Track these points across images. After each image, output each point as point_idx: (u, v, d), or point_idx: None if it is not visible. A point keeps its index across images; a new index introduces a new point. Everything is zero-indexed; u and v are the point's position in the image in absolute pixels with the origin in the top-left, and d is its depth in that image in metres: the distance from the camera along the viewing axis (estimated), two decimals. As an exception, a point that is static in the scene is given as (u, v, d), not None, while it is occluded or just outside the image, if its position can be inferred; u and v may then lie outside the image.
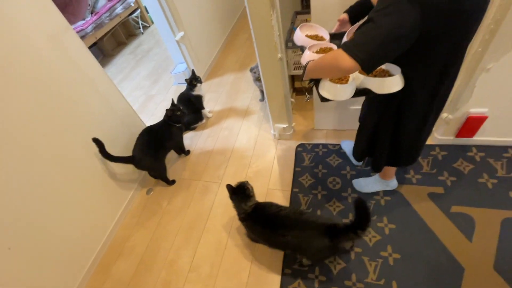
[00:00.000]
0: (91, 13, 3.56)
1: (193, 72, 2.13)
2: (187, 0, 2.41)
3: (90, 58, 1.54)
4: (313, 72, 0.82)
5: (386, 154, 1.13)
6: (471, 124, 1.38)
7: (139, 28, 4.29)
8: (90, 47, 3.55)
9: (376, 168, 1.26)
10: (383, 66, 0.86)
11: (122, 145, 1.74)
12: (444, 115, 1.42)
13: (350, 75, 0.86)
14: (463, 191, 1.37)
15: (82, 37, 3.24)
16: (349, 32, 0.99)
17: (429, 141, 1.61)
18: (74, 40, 1.45)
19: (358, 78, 0.85)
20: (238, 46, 3.12)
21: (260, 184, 1.72)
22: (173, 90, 2.79)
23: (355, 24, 1.00)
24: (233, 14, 3.42)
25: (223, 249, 1.47)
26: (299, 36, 1.06)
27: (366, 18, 0.68)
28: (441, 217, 1.30)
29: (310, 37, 1.08)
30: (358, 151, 1.28)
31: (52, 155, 1.34)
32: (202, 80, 2.37)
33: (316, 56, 0.92)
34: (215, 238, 1.53)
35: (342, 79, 0.88)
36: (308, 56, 0.95)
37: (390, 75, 0.83)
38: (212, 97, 2.52)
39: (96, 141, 1.50)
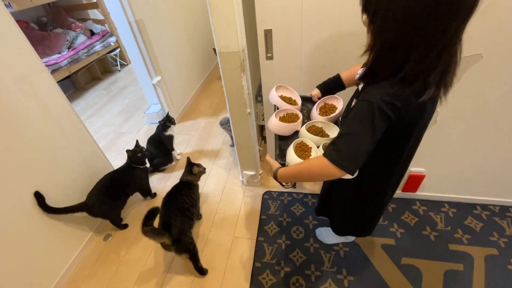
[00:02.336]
0: (68, 48, 3.59)
1: (167, 114, 2.18)
2: (165, 47, 2.58)
3: (60, 99, 1.54)
4: (297, 178, 0.86)
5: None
6: (413, 181, 1.57)
7: (117, 65, 4.36)
8: (62, 80, 3.50)
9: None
10: None
11: (83, 187, 1.67)
12: (391, 171, 1.61)
13: (313, 152, 0.97)
14: (411, 243, 1.49)
15: (56, 70, 3.21)
16: (320, 102, 1.13)
17: (381, 194, 1.78)
18: (48, 81, 1.45)
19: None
20: (212, 93, 3.30)
21: (226, 232, 1.71)
22: (145, 129, 2.79)
23: (326, 96, 1.15)
24: (209, 64, 3.67)
25: (181, 305, 1.39)
26: (274, 96, 1.16)
27: (342, 128, 0.75)
28: (393, 269, 1.39)
29: (284, 98, 1.19)
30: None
31: None
32: (176, 122, 2.43)
33: (282, 125, 1.05)
34: (174, 293, 1.45)
35: (305, 152, 0.97)
36: (274, 123, 1.07)
37: None
38: (183, 140, 2.57)
39: (36, 195, 1.39)
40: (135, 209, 1.95)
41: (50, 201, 1.45)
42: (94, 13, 4.18)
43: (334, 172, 0.71)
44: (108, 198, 1.65)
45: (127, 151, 1.79)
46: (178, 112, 2.85)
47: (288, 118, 1.11)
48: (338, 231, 1.30)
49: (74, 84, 3.91)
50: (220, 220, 1.80)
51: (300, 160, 0.90)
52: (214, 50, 1.40)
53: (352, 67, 1.08)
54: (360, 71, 0.94)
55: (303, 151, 0.98)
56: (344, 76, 1.09)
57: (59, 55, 3.39)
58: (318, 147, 0.98)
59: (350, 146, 0.70)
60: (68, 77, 3.68)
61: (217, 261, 1.56)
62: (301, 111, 1.18)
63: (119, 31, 2.32)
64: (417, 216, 1.62)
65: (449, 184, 1.59)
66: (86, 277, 1.58)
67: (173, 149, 2.27)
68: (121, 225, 1.82)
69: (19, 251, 1.34)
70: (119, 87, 3.81)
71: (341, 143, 0.72)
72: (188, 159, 1.71)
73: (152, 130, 2.29)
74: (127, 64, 4.49)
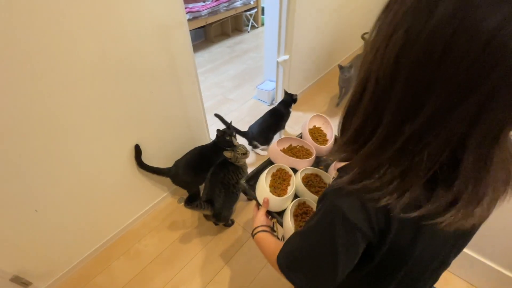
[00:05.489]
0: (213, -1, 3.68)
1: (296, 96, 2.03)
2: (307, 24, 2.22)
3: (189, 57, 1.44)
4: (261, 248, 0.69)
5: None
6: None
7: (248, 26, 4.32)
8: (197, 28, 3.67)
9: None
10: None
11: (176, 150, 1.64)
12: None
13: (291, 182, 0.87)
14: None
15: (196, 18, 3.34)
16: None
17: None
18: (184, 36, 1.35)
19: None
20: (333, 88, 2.82)
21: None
22: (250, 104, 2.64)
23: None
24: (339, 54, 3.13)
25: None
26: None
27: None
28: None
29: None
30: None
31: (104, 133, 1.27)
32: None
33: (282, 156, 0.92)
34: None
35: (284, 182, 0.88)
36: (273, 149, 0.95)
37: None
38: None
39: (136, 148, 1.42)
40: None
41: (144, 156, 1.46)
42: (246, -33, 4.10)
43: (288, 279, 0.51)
44: (191, 172, 1.58)
45: (218, 130, 1.64)
46: (289, 98, 2.57)
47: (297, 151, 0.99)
48: None
49: (205, 35, 4.07)
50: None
51: (267, 191, 0.81)
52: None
53: None
54: None
55: (282, 180, 0.87)
56: None
57: (203, 4, 3.51)
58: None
59: (301, 256, 0.49)
60: (203, 26, 3.83)
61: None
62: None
63: (267, -7, 2.08)
64: None
65: None
66: (154, 229, 1.64)
67: (283, 128, 2.10)
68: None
69: (109, 186, 1.42)
70: (242, 49, 3.76)
71: (293, 244, 0.52)
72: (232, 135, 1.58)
73: (257, 106, 2.31)
74: (257, 27, 4.39)
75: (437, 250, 0.45)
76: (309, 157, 0.93)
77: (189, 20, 3.26)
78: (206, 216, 1.46)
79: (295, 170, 0.91)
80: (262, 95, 2.60)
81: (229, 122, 1.78)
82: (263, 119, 1.98)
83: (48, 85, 0.99)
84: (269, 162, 0.95)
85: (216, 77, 3.14)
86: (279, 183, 0.86)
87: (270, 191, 0.81)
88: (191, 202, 1.27)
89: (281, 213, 0.82)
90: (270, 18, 2.14)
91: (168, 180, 1.72)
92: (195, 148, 1.65)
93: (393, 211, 0.36)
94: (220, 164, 1.49)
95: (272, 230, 0.78)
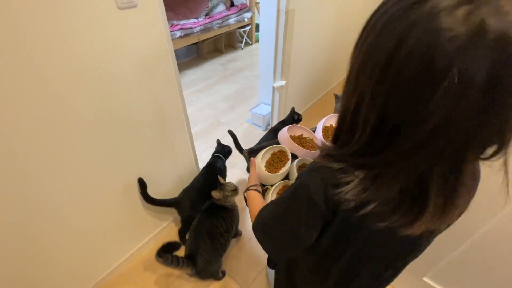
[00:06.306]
0: (206, 15, 3.56)
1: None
2: (304, 48, 2.10)
3: (172, 91, 1.25)
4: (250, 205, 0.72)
5: None
6: None
7: (241, 42, 4.21)
8: (190, 45, 3.52)
9: None
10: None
11: (161, 186, 1.45)
12: None
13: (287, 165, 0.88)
14: None
15: (188, 35, 3.20)
16: None
17: None
18: (166, 69, 1.18)
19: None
20: (329, 110, 2.69)
21: None
22: (244, 128, 2.48)
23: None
24: (336, 76, 3.04)
25: None
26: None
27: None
28: None
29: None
30: None
31: (88, 171, 1.10)
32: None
33: (290, 141, 0.92)
34: None
35: (281, 162, 0.91)
36: (284, 134, 0.94)
37: None
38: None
39: (140, 182, 1.27)
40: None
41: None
42: (241, -16, 4.02)
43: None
44: (200, 202, 1.39)
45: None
46: (285, 122, 2.42)
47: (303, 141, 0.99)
48: None
49: (198, 51, 3.93)
50: None
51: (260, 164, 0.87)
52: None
53: None
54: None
55: (279, 160, 0.91)
56: None
57: (195, 20, 3.38)
58: None
59: (271, 221, 0.55)
60: (195, 43, 3.70)
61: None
62: None
63: (263, 18, 1.95)
64: None
65: None
66: (132, 282, 1.41)
67: None
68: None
69: (77, 235, 1.21)
70: (236, 67, 3.62)
71: (268, 209, 0.57)
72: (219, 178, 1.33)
73: (252, 131, 2.32)
74: (251, 44, 4.29)
75: (382, 242, 0.48)
76: (313, 150, 0.95)
77: (180, 37, 3.11)
78: (188, 274, 1.26)
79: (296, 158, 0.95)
80: (256, 120, 2.44)
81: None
82: (266, 139, 1.78)
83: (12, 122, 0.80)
84: (275, 143, 0.99)
85: (208, 97, 2.97)
86: (276, 162, 0.90)
87: (265, 166, 0.88)
88: (162, 254, 1.09)
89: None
90: (265, 37, 2.01)
91: (152, 222, 1.53)
92: (204, 175, 1.51)
93: (343, 204, 0.41)
94: (207, 210, 1.31)
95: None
